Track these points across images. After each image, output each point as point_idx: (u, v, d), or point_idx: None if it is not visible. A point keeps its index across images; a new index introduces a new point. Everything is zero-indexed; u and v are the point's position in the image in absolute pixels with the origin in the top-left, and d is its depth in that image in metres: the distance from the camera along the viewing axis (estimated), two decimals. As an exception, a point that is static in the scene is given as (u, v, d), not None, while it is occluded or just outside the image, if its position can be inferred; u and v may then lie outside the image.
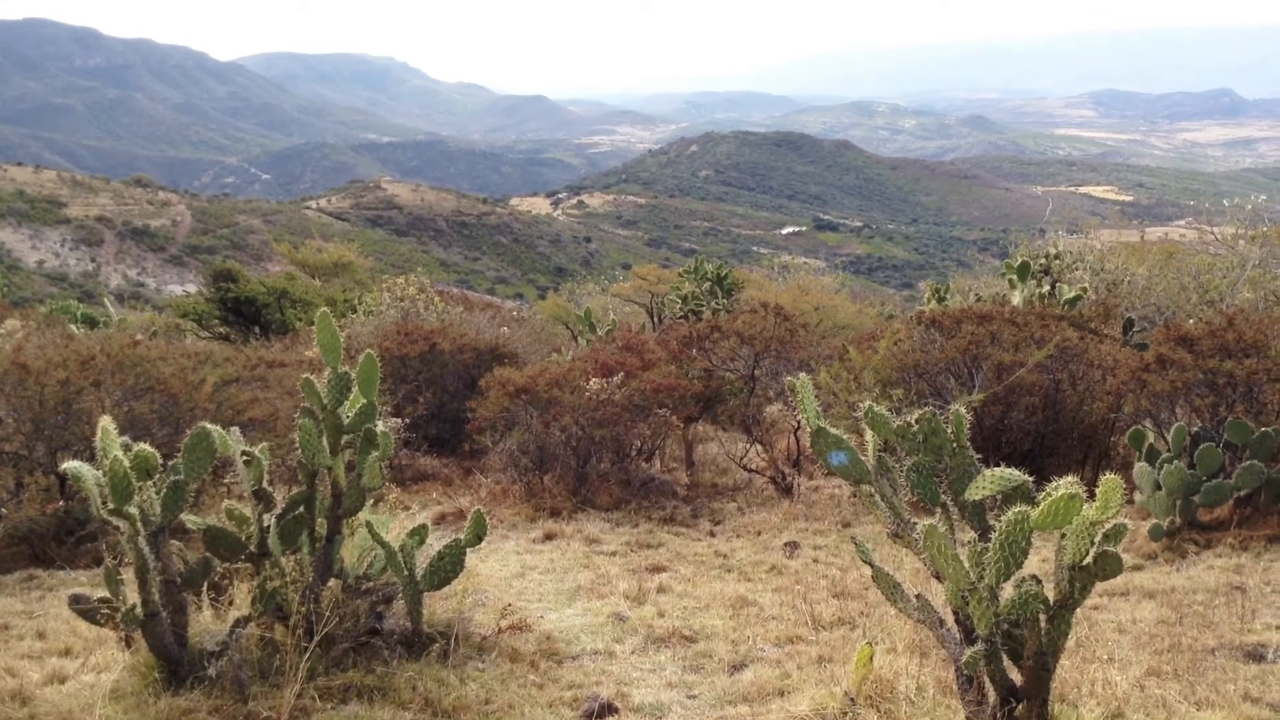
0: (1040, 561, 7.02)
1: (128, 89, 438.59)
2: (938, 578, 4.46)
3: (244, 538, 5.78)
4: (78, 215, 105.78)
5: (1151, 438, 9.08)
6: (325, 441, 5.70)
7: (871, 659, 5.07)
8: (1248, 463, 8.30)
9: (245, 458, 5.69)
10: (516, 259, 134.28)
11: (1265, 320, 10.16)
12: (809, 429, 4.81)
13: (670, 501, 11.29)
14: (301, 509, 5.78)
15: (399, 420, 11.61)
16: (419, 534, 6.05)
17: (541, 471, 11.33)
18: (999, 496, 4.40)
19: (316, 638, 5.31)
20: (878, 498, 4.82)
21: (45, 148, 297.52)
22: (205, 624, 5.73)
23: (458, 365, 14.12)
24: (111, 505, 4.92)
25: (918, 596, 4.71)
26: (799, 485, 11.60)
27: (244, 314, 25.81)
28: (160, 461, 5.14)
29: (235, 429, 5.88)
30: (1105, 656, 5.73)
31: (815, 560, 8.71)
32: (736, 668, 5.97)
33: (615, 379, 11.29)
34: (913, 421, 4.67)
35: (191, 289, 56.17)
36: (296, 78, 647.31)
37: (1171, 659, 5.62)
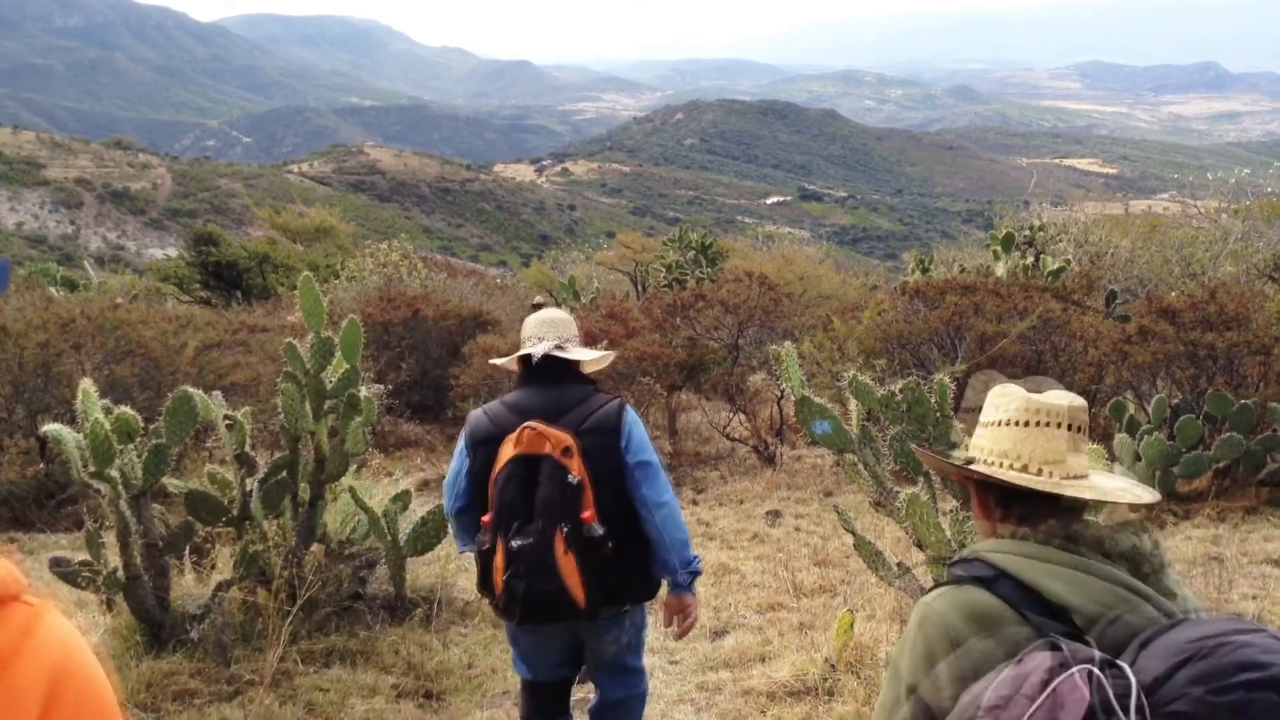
0: (1020, 531, 7.07)
1: (107, 49, 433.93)
2: (919, 546, 4.49)
3: (226, 502, 5.77)
4: (57, 177, 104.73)
5: (1132, 409, 9.13)
6: (308, 406, 5.68)
7: (852, 626, 5.11)
8: (1227, 435, 8.36)
9: (227, 422, 5.67)
10: (500, 226, 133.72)
11: (1247, 293, 10.21)
12: (793, 398, 4.82)
13: (653, 469, 11.30)
14: (284, 474, 5.77)
15: (382, 386, 11.58)
16: (402, 500, 6.04)
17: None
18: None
19: (299, 602, 5.30)
20: (861, 467, 4.83)
21: (23, 108, 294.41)
22: (187, 588, 5.73)
23: (441, 332, 14.09)
24: (93, 468, 4.89)
25: (899, 564, 4.74)
26: (781, 454, 11.64)
27: (225, 278, 25.66)
28: (142, 425, 5.11)
29: (217, 393, 5.86)
30: (1083, 625, 5.79)
31: (797, 529, 8.75)
32: (718, 634, 6.00)
33: (599, 347, 11.28)
34: (896, 391, 4.68)
35: (172, 253, 55.75)
36: (278, 40, 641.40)
37: (1148, 628, 5.67)
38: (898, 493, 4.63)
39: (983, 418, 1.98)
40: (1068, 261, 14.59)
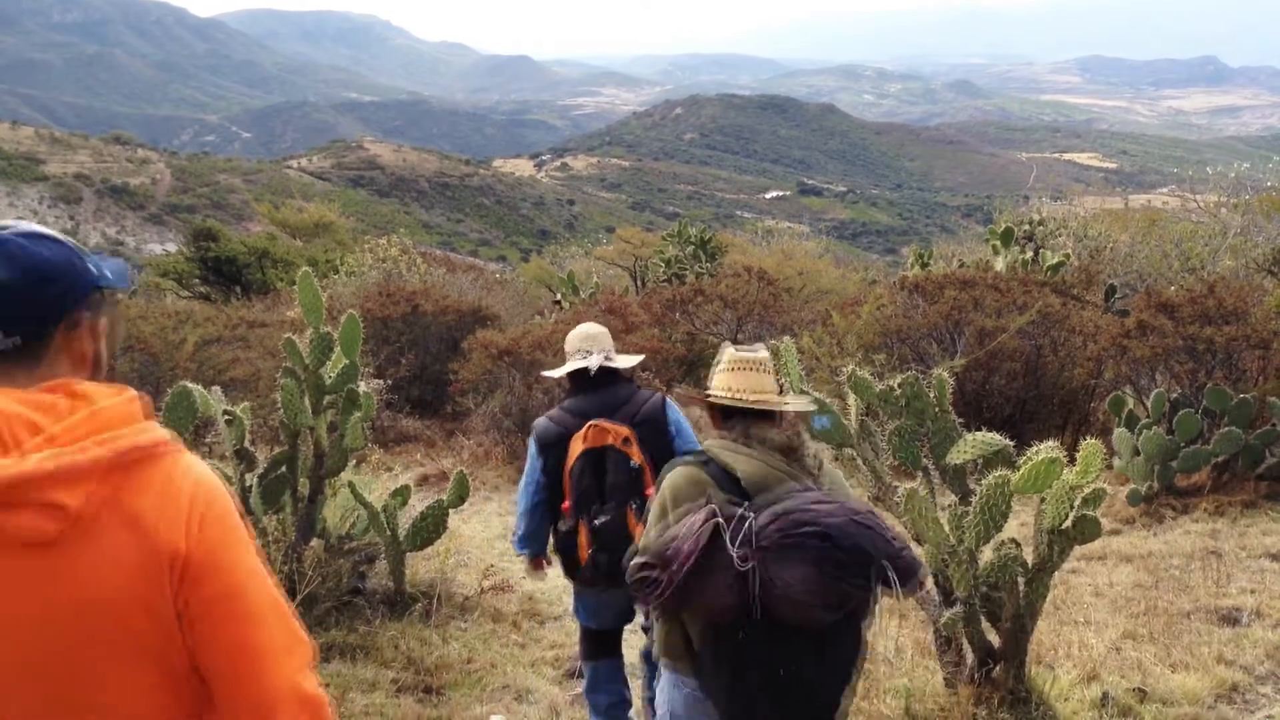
0: (1019, 525, 7.07)
1: (106, 45, 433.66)
2: (918, 540, 4.48)
3: (226, 497, 5.76)
4: (56, 173, 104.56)
5: (1131, 404, 9.13)
6: (307, 402, 5.68)
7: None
8: (1225, 429, 8.36)
9: (227, 417, 5.67)
10: (499, 221, 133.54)
11: (1245, 288, 10.20)
12: (792, 393, 4.81)
13: (652, 464, 11.28)
14: (284, 469, 5.77)
15: (381, 381, 11.59)
16: (401, 495, 6.04)
17: (524, 433, 11.32)
18: (980, 461, 4.42)
19: (299, 597, 5.31)
20: (860, 461, 4.83)
21: (23, 104, 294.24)
22: (187, 583, 5.71)
23: (440, 327, 14.08)
24: (92, 464, 4.88)
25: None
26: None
27: (225, 274, 25.63)
28: (141, 420, 5.10)
29: (216, 388, 5.85)
30: (1082, 619, 5.80)
31: (796, 523, 8.72)
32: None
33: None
34: (895, 386, 4.68)
35: (171, 248, 55.72)
36: (278, 35, 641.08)
37: (1147, 622, 5.68)
38: (896, 487, 4.62)
39: (715, 367, 3.08)
40: (1067, 256, 14.57)
